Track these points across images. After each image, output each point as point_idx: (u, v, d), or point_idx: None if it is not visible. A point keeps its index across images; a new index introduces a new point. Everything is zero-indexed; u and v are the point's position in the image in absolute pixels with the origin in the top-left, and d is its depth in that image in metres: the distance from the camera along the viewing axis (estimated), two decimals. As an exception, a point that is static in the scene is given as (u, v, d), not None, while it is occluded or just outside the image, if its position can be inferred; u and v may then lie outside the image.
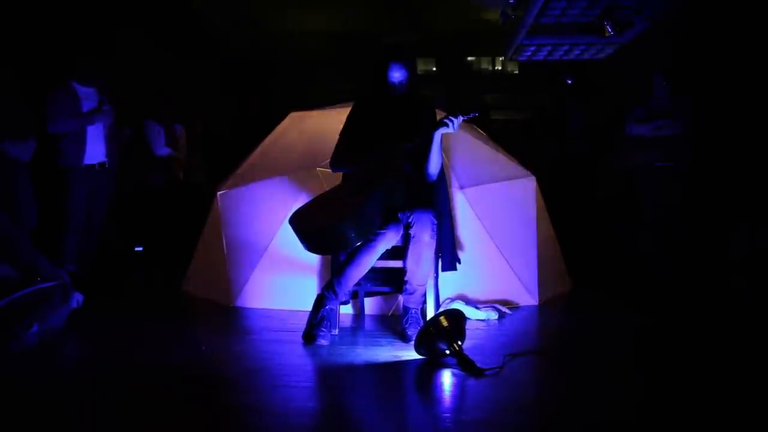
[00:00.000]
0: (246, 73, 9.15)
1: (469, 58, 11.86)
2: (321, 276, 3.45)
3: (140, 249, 5.55)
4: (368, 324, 3.30)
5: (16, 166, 3.76)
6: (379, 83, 3.01)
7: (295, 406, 2.04)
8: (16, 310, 2.63)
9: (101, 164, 4.21)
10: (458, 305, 3.25)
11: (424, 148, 2.89)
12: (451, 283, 3.39)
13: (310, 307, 2.86)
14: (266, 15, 8.73)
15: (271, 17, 8.80)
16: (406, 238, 2.80)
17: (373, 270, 2.88)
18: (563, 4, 6.19)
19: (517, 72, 11.43)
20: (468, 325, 2.63)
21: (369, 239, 2.75)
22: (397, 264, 2.93)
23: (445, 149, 3.25)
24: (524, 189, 3.87)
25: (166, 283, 4.32)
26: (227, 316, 3.44)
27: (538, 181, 3.96)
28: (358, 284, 3.02)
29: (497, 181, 3.78)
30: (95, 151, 4.17)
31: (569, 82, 8.29)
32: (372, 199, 2.70)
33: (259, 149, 4.10)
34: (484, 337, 2.96)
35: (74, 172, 4.10)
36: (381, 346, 2.80)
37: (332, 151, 3.05)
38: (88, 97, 4.18)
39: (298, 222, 2.74)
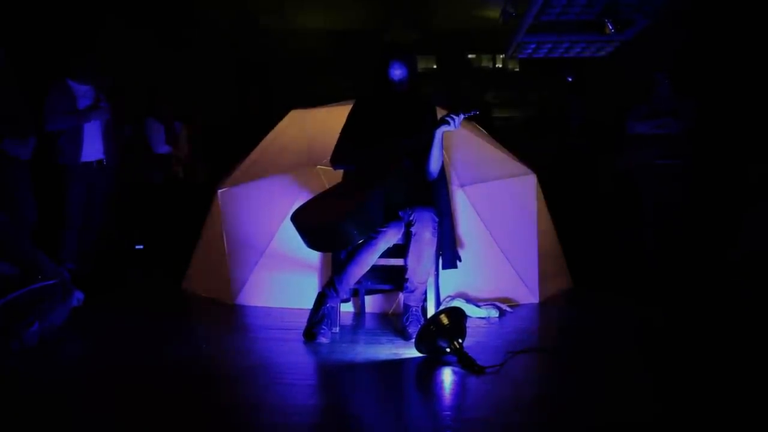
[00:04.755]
0: (247, 71, 9.14)
1: (470, 56, 11.83)
2: (322, 274, 3.45)
3: (140, 247, 5.55)
4: (369, 322, 3.30)
5: (16, 164, 3.75)
6: (379, 81, 3.01)
7: (295, 403, 2.04)
8: (16, 308, 2.63)
9: (99, 161, 4.20)
10: (459, 303, 3.25)
11: (425, 146, 2.89)
12: (451, 281, 3.38)
13: (310, 305, 2.86)
14: (267, 13, 8.72)
15: (271, 15, 8.80)
16: (407, 236, 2.80)
17: (374, 268, 2.88)
18: (564, 1, 6.17)
19: (517, 69, 11.41)
20: (469, 323, 2.63)
21: (370, 237, 2.75)
22: (398, 262, 2.93)
23: (445, 147, 3.24)
24: (524, 186, 3.87)
25: (166, 281, 4.31)
26: (228, 314, 3.44)
27: (539, 179, 3.95)
28: (358, 282, 3.02)
29: (498, 179, 3.77)
30: (92, 148, 4.17)
31: (570, 79, 8.28)
32: (373, 197, 2.69)
33: (259, 147, 4.09)
34: (484, 334, 2.96)
35: (72, 170, 4.10)
36: (381, 344, 2.80)
37: (333, 148, 3.05)
38: (84, 94, 4.17)
39: (299, 219, 2.74)
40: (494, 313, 3.32)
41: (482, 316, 3.30)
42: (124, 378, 2.29)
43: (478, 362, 2.33)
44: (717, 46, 5.04)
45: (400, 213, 2.84)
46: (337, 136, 3.06)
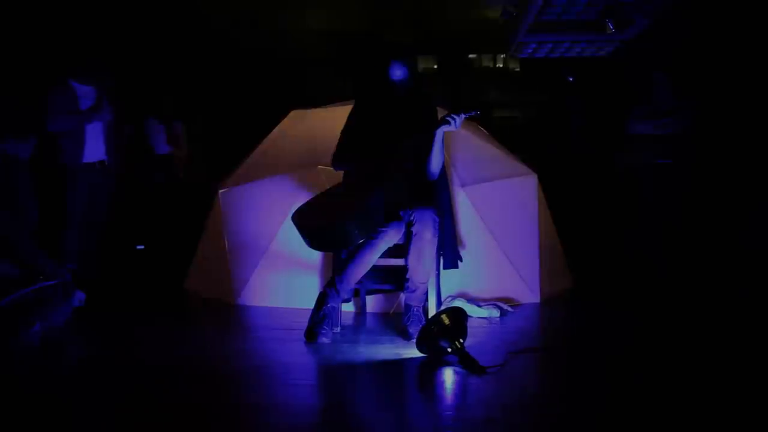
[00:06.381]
0: (247, 71, 9.14)
1: (471, 56, 11.83)
2: (323, 274, 3.45)
3: (142, 247, 5.56)
4: (370, 322, 3.30)
5: (17, 164, 3.76)
6: (380, 81, 3.01)
7: (296, 403, 2.04)
8: (18, 308, 2.63)
9: (101, 162, 4.21)
10: (460, 303, 3.24)
11: (425, 146, 2.89)
12: (452, 281, 3.38)
13: (312, 305, 2.86)
14: (267, 13, 8.73)
15: (272, 15, 8.80)
16: (408, 236, 2.80)
17: (375, 268, 2.88)
18: (564, 1, 6.18)
19: (518, 69, 11.40)
20: (470, 323, 2.62)
21: (371, 237, 2.75)
22: (398, 262, 2.93)
23: (446, 147, 3.24)
24: (525, 186, 3.87)
25: (167, 281, 4.32)
26: (229, 314, 3.44)
27: (540, 179, 3.95)
28: (359, 282, 3.02)
29: (499, 179, 3.77)
30: (94, 149, 4.17)
31: (570, 79, 8.29)
32: (374, 196, 2.70)
33: (260, 147, 4.10)
34: (485, 334, 2.96)
35: (74, 170, 4.11)
36: (382, 344, 2.80)
37: (334, 149, 3.05)
38: (86, 95, 4.18)
39: (300, 219, 2.74)
40: (495, 313, 3.32)
41: (483, 316, 3.30)
42: (125, 378, 2.29)
43: (480, 362, 2.33)
44: (717, 46, 5.04)
45: (400, 213, 2.84)
46: (337, 136, 3.07)
